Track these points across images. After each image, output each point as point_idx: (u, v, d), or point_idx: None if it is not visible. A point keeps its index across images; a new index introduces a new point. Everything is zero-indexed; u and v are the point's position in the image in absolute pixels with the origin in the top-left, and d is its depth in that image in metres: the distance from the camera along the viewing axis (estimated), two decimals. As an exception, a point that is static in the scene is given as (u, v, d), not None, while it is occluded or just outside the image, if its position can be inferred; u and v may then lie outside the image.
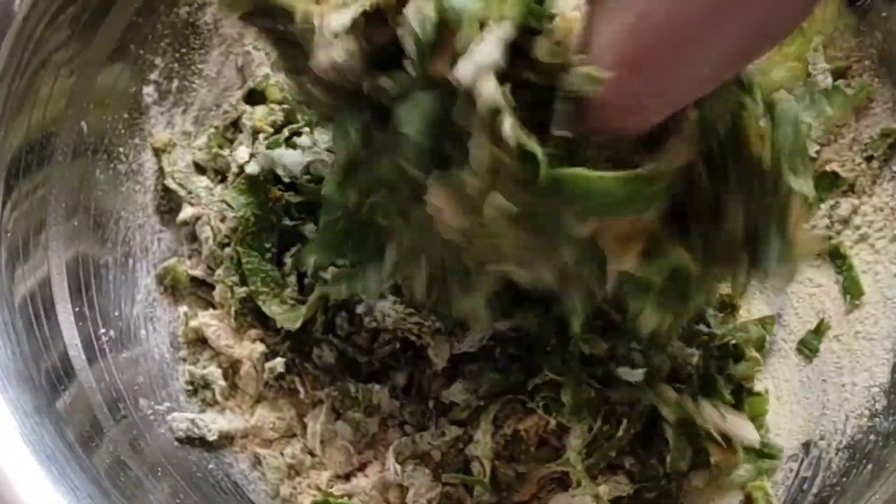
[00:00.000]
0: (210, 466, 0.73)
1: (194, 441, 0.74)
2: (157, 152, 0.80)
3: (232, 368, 0.77)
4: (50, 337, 0.68)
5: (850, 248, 0.78)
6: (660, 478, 0.71)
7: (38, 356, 0.65)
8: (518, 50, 0.48)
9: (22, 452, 0.59)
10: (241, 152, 0.79)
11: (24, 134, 0.68)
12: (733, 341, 0.75)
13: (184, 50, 0.81)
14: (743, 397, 0.74)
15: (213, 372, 0.76)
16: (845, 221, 0.79)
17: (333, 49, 0.52)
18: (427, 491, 0.73)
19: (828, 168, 0.79)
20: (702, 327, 0.74)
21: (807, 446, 0.73)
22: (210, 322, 0.77)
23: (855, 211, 0.78)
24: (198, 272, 0.79)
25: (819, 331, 0.77)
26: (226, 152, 0.81)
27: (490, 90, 0.46)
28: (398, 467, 0.72)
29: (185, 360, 0.77)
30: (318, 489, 0.73)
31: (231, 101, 0.84)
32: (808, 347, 0.77)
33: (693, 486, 0.72)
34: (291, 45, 0.57)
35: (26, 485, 0.58)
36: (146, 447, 0.69)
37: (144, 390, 0.73)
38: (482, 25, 0.48)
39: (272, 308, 0.74)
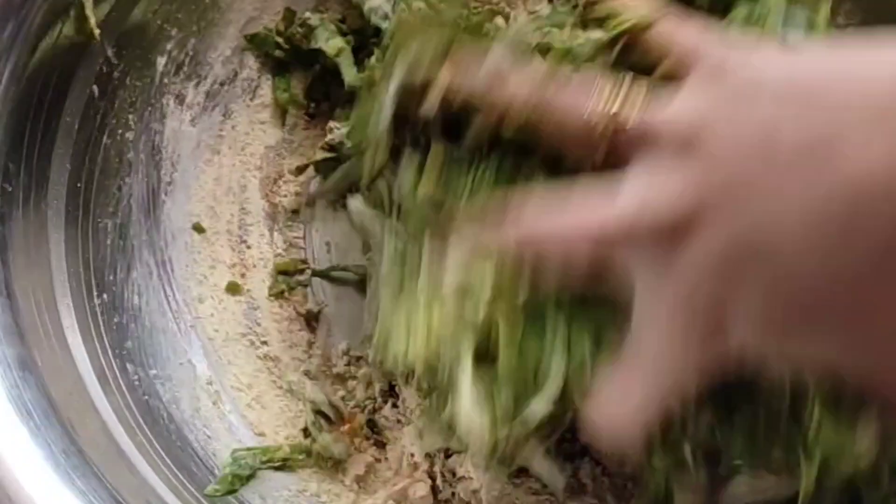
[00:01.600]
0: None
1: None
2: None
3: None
4: (42, 295, 0.68)
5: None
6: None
7: (27, 312, 0.66)
8: None
9: (1, 405, 0.60)
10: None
11: (32, 92, 0.69)
12: None
13: (203, 23, 0.82)
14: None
15: (203, 344, 0.77)
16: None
17: None
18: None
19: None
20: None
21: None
22: (203, 294, 0.78)
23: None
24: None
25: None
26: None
27: None
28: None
29: (178, 329, 0.78)
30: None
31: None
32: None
33: None
34: None
35: (3, 437, 0.59)
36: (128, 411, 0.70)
37: (133, 356, 0.73)
38: None
39: None
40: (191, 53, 0.82)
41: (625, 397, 0.48)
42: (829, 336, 0.39)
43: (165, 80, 0.80)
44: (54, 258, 0.70)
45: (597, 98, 0.49)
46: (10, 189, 0.67)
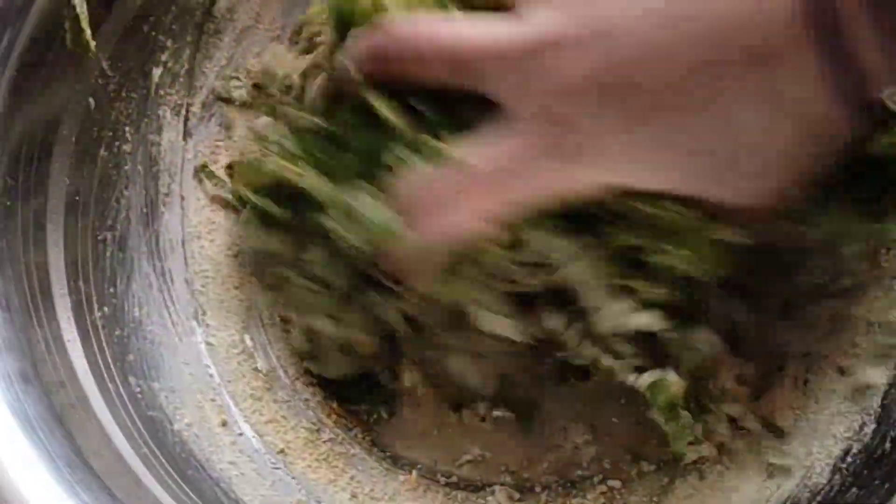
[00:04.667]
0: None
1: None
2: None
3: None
4: (43, 309, 0.68)
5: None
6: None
7: (28, 326, 0.66)
8: None
9: (4, 418, 0.60)
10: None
11: (29, 106, 0.69)
12: None
13: (198, 33, 0.82)
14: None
15: (205, 355, 0.77)
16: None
17: None
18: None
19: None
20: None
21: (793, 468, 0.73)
22: (204, 305, 0.77)
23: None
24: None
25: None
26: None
27: None
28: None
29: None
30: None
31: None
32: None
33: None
34: None
35: (7, 450, 0.59)
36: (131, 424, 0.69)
37: (134, 368, 0.73)
38: None
39: None
40: (186, 65, 0.82)
41: (461, 203, 0.50)
42: (669, 140, 0.45)
43: (161, 92, 0.80)
44: (54, 272, 0.70)
45: None
46: (8, 203, 0.67)
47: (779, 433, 0.73)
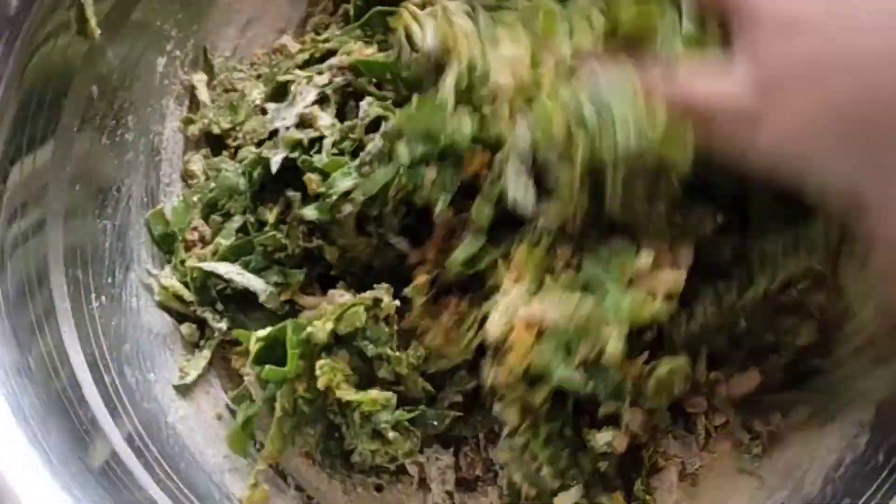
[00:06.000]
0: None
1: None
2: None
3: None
4: (40, 297, 0.68)
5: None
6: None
7: (24, 314, 0.66)
8: None
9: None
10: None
11: (33, 93, 0.68)
12: None
13: (203, 23, 0.82)
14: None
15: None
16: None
17: None
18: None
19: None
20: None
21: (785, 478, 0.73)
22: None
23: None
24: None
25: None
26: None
27: None
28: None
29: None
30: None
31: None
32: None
33: None
34: None
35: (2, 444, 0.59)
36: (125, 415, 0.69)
37: (130, 359, 0.73)
38: None
39: None
40: (190, 54, 0.81)
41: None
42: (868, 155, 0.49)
43: (165, 81, 0.80)
44: (52, 261, 0.70)
45: None
46: (8, 191, 0.67)
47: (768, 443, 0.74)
